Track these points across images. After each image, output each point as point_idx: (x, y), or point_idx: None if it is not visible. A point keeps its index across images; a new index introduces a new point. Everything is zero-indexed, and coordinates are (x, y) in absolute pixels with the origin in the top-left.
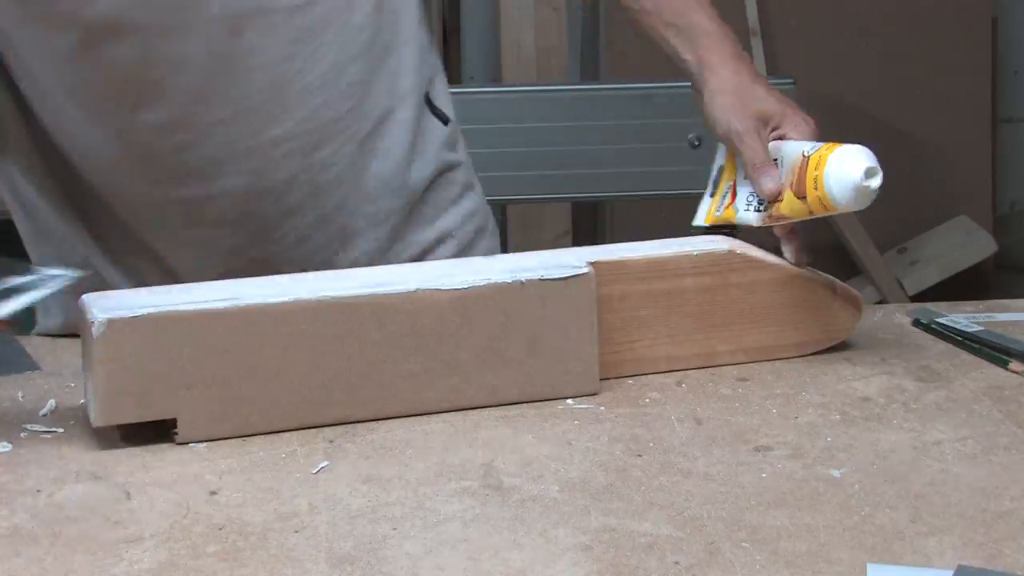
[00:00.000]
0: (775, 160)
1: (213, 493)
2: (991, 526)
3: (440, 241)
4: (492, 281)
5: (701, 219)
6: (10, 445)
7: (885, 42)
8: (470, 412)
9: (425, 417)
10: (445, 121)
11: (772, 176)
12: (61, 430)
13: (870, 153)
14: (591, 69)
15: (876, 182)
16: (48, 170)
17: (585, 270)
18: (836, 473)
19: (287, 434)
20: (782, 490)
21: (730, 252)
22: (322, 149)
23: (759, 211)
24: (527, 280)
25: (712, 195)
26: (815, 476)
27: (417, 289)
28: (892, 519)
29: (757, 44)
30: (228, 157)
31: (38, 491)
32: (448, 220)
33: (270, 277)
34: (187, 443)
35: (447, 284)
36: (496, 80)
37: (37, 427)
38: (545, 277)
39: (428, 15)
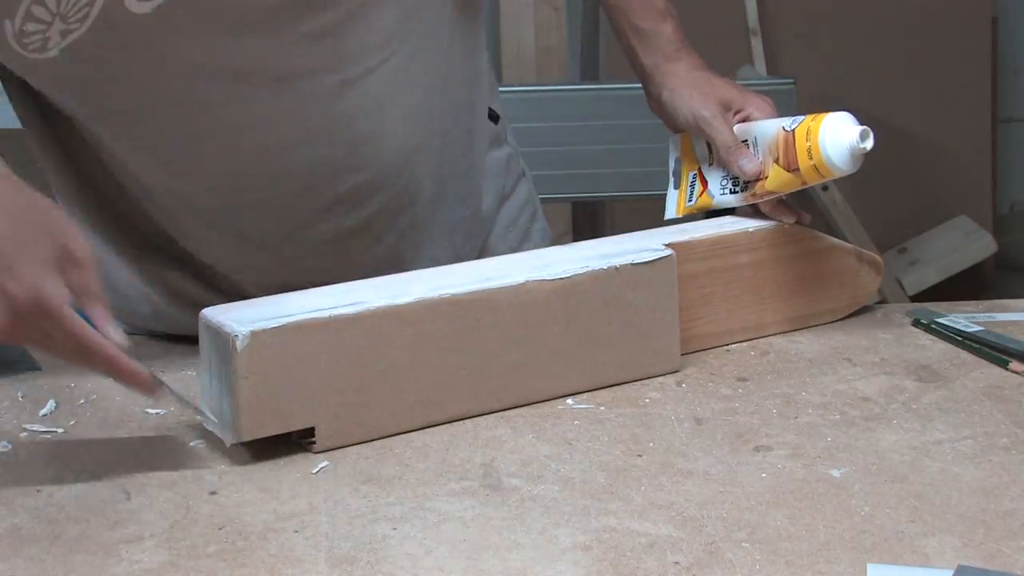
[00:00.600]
0: (744, 142)
1: (213, 493)
2: (991, 526)
3: (504, 231)
4: (590, 268)
5: (672, 212)
6: (10, 445)
7: (885, 42)
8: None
9: None
10: (496, 119)
11: (749, 157)
12: (61, 430)
13: (854, 117)
14: (591, 69)
15: (870, 143)
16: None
17: (669, 252)
18: (836, 473)
19: (287, 434)
20: (782, 490)
21: (778, 226)
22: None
23: (737, 192)
24: (620, 265)
25: (677, 188)
26: (815, 476)
27: (525, 280)
28: (892, 519)
29: (757, 44)
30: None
31: (38, 491)
32: (508, 211)
33: (381, 278)
34: (323, 451)
35: (551, 274)
36: (496, 80)
37: (37, 427)
38: (636, 261)
39: None
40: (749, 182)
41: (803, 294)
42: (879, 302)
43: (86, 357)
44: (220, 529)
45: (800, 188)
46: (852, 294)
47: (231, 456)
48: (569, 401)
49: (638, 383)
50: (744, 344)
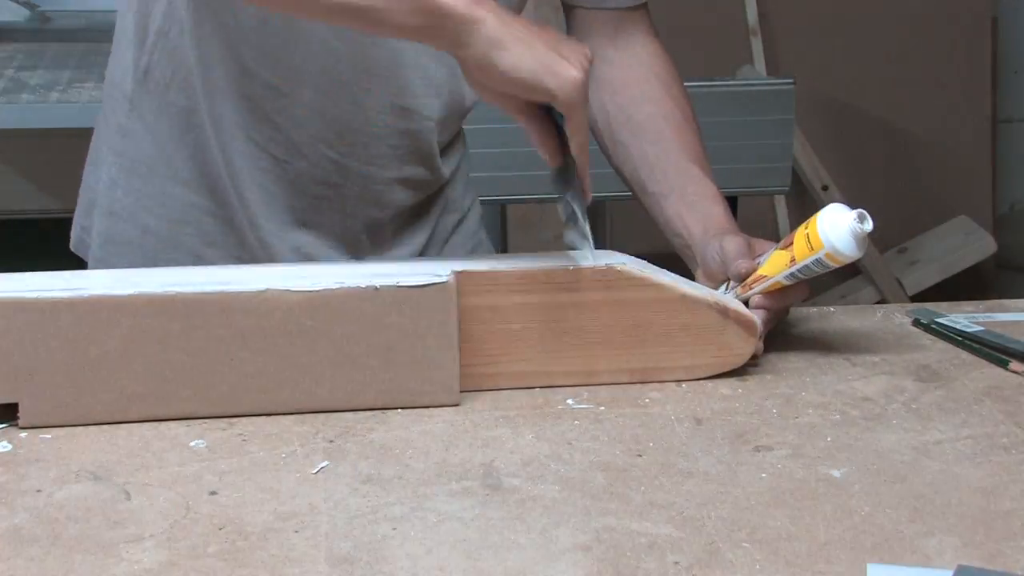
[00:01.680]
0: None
1: (213, 493)
2: (991, 526)
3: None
4: (345, 285)
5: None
6: (10, 445)
7: (885, 42)
8: (469, 413)
9: (425, 417)
10: None
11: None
12: (61, 430)
13: (846, 205)
14: None
15: (869, 224)
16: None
17: (444, 279)
18: (836, 473)
19: (287, 434)
20: (782, 490)
21: (609, 268)
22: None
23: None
24: (382, 286)
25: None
26: (815, 476)
27: (266, 289)
28: (892, 519)
29: (757, 44)
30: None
31: (38, 491)
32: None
33: (129, 270)
34: (30, 428)
35: (298, 286)
36: None
37: (37, 427)
38: (401, 284)
39: None
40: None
41: (646, 346)
42: (878, 302)
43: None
44: (220, 529)
45: (793, 269)
46: (715, 353)
47: (231, 456)
48: (569, 401)
49: (638, 384)
50: None
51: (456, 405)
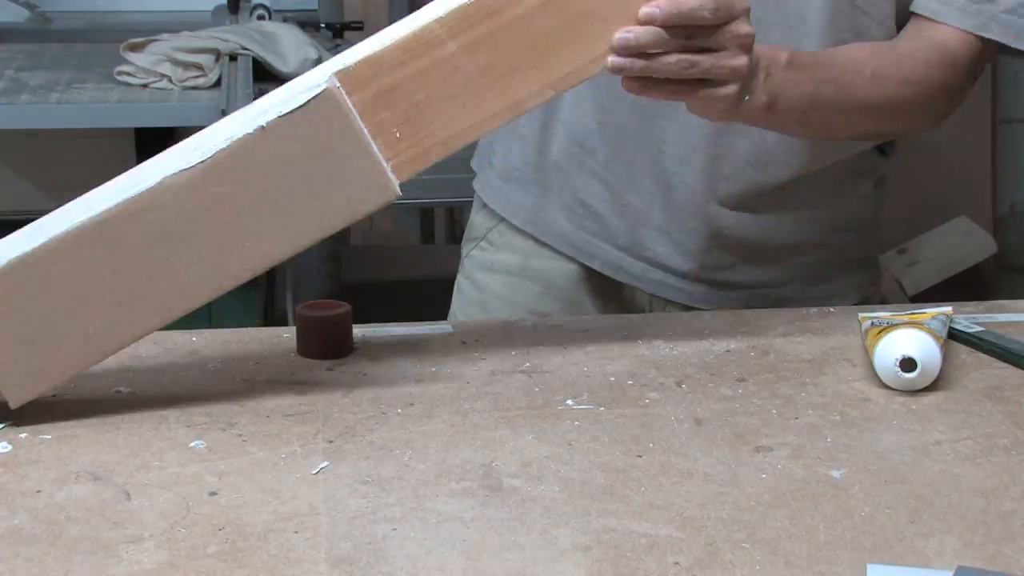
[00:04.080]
0: None
1: (213, 493)
2: (991, 526)
3: None
4: (234, 139)
5: None
6: (10, 445)
7: None
8: (469, 413)
9: (424, 417)
10: None
11: None
12: (61, 431)
13: (926, 342)
14: None
15: (911, 376)
16: None
17: (323, 87)
18: (836, 473)
19: (287, 434)
20: (782, 490)
21: (478, 0)
22: None
23: None
24: (267, 123)
25: None
26: (815, 476)
27: (161, 180)
28: (892, 519)
29: None
30: None
31: (38, 491)
32: None
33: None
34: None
35: (188, 162)
36: None
37: (37, 427)
38: (283, 112)
39: None
40: None
41: (556, 52)
42: (879, 303)
43: None
44: (220, 529)
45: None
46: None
47: (231, 456)
48: (569, 402)
49: (638, 384)
50: (744, 344)
51: (397, 197)
